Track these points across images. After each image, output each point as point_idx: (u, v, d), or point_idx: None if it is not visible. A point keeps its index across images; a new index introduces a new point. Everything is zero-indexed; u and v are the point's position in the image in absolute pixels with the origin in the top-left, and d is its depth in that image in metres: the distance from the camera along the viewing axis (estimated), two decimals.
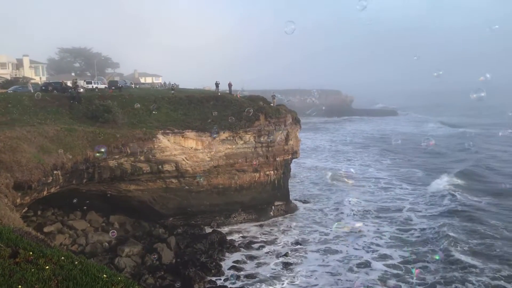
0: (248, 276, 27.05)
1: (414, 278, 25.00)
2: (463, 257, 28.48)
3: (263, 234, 34.77)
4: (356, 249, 31.11)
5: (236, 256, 30.33)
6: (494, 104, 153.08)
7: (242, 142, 37.05)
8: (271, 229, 35.84)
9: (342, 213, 39.90)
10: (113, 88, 47.36)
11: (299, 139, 42.72)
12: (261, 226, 36.60)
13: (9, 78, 61.04)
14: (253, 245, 32.24)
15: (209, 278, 26.60)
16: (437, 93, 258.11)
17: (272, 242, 32.84)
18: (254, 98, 42.03)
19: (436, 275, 26.25)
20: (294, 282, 26.27)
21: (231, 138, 36.55)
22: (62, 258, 7.53)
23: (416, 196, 45.33)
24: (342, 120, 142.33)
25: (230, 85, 46.95)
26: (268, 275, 27.08)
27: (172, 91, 44.17)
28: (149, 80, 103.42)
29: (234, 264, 28.85)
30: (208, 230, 34.44)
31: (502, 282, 25.08)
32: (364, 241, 32.42)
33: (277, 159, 38.98)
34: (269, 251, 31.12)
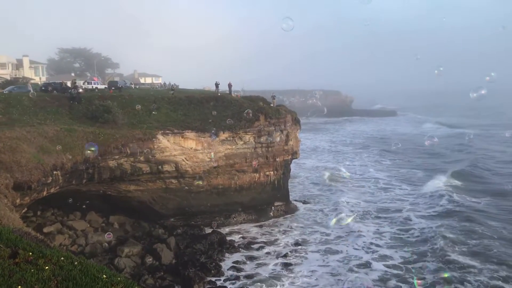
0: (248, 277, 27.03)
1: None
2: (461, 258, 28.52)
3: (263, 234, 34.76)
4: (356, 249, 31.11)
5: (236, 256, 30.30)
6: (494, 104, 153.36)
7: (242, 142, 37.04)
8: (271, 230, 35.83)
9: (341, 213, 39.89)
10: (113, 88, 47.33)
11: (299, 140, 42.72)
12: (261, 226, 36.58)
13: (9, 78, 60.97)
14: (253, 246, 32.22)
15: (208, 278, 26.57)
16: (437, 93, 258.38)
17: (272, 243, 32.82)
18: (254, 99, 42.02)
19: (435, 275, 26.28)
20: (294, 282, 26.25)
21: (231, 138, 36.54)
22: (62, 258, 7.53)
23: (416, 197, 45.33)
24: (342, 121, 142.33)
25: (230, 85, 46.91)
26: (268, 276, 27.05)
27: (172, 91, 44.17)
28: (149, 80, 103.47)
29: (234, 265, 28.83)
30: (208, 230, 34.40)
31: (500, 283, 25.12)
32: (363, 242, 32.41)
33: (277, 159, 38.98)
34: (269, 252, 31.09)
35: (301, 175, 56.27)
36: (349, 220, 35.25)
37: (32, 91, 35.61)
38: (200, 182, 34.27)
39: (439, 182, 49.48)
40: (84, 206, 33.25)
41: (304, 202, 43.82)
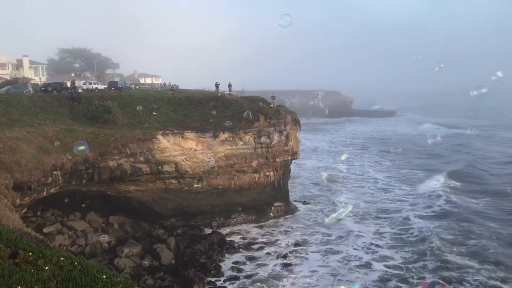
0: (248, 277, 27.01)
1: None
2: (460, 258, 28.59)
3: (263, 235, 34.73)
4: (356, 249, 31.12)
5: (236, 257, 30.28)
6: (494, 105, 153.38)
7: (241, 143, 37.04)
8: (271, 230, 35.80)
9: (335, 209, 40.00)
10: (113, 88, 47.37)
11: (299, 140, 42.71)
12: (261, 227, 36.55)
13: (9, 78, 60.96)
14: (253, 246, 32.20)
15: (208, 279, 26.55)
16: (436, 93, 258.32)
17: (272, 243, 32.80)
18: (254, 99, 42.04)
19: (434, 275, 26.31)
20: (294, 283, 26.24)
21: (231, 139, 36.53)
22: (62, 258, 7.53)
23: (416, 197, 45.32)
24: (342, 121, 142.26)
25: (230, 85, 46.96)
26: (268, 276, 27.04)
27: (171, 92, 44.17)
28: (148, 80, 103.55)
29: (234, 265, 28.82)
30: (208, 231, 34.37)
31: (498, 283, 25.18)
32: (363, 242, 32.42)
33: (277, 160, 38.97)
34: (269, 252, 31.07)
35: (301, 175, 56.27)
36: (344, 214, 35.26)
37: (32, 91, 35.62)
38: (199, 185, 34.23)
39: (436, 183, 49.60)
40: (83, 205, 33.18)
41: (304, 203, 43.79)
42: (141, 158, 31.84)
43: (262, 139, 37.73)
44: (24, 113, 31.85)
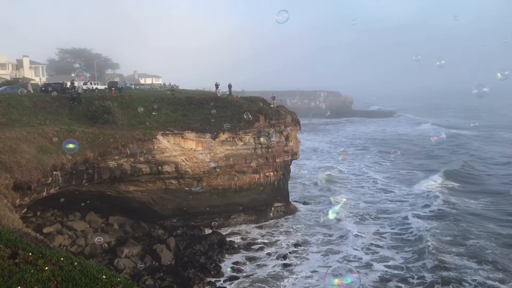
0: (248, 277, 26.99)
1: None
2: (458, 258, 28.62)
3: (263, 235, 34.73)
4: (356, 249, 31.11)
5: (236, 257, 30.27)
6: (494, 105, 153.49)
7: (241, 143, 37.02)
8: (271, 231, 35.80)
9: (330, 207, 40.06)
10: (113, 89, 47.32)
11: (299, 140, 42.70)
12: (261, 227, 36.55)
13: (9, 78, 61.00)
14: (253, 247, 32.20)
15: (208, 279, 26.55)
16: (436, 93, 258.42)
17: (272, 244, 32.79)
18: (254, 99, 42.01)
19: (434, 274, 26.32)
20: (294, 283, 26.23)
21: (231, 139, 36.51)
22: (62, 259, 7.53)
23: (415, 197, 45.33)
24: (342, 122, 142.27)
25: (230, 86, 46.88)
26: (268, 276, 27.03)
27: (171, 92, 44.11)
28: (149, 81, 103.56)
29: (234, 266, 28.81)
30: (208, 231, 34.38)
31: (496, 283, 25.20)
32: (363, 242, 32.42)
33: (277, 160, 38.97)
34: (270, 253, 31.06)
35: (301, 175, 56.26)
36: (337, 209, 35.21)
37: (26, 90, 35.61)
38: (198, 189, 34.16)
39: (434, 183, 49.68)
40: (83, 204, 33.14)
41: (304, 203, 43.78)
42: (141, 159, 31.84)
43: (262, 139, 37.70)
44: (24, 113, 31.84)
